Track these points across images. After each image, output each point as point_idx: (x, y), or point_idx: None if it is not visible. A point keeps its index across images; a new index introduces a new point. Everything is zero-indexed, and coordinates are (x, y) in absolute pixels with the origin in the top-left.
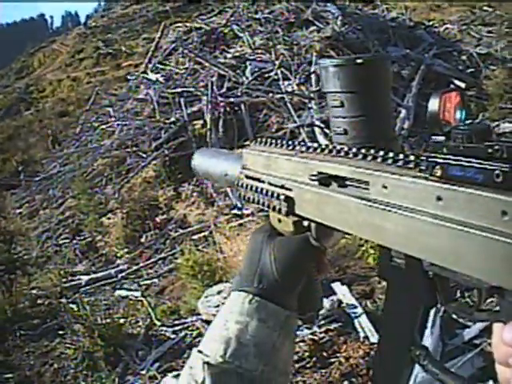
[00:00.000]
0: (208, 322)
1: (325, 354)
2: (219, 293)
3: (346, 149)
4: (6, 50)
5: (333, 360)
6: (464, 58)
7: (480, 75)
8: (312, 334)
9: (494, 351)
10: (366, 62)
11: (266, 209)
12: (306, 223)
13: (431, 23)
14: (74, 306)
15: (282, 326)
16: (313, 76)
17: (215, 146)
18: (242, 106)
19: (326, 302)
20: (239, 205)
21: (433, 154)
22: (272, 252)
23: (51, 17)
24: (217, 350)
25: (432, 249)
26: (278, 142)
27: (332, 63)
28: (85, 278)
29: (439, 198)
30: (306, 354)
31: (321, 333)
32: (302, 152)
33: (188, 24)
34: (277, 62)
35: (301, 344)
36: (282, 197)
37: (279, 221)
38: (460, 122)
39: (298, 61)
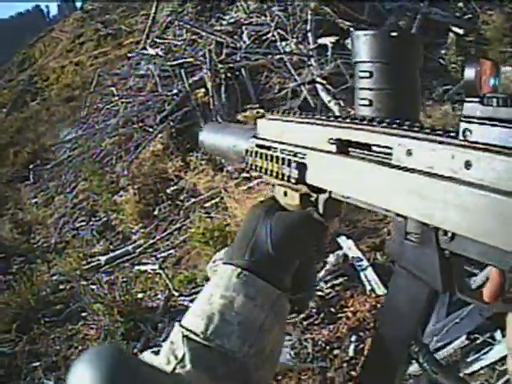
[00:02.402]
0: None
1: (332, 309)
2: None
3: (369, 117)
4: (6, 45)
5: (340, 315)
6: (460, 4)
7: (478, 21)
8: (319, 290)
9: (509, 341)
10: (400, 35)
11: (274, 180)
12: (313, 197)
13: None
14: (93, 287)
15: (271, 306)
16: (309, 34)
17: (219, 113)
18: (243, 70)
19: (332, 257)
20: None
21: (466, 119)
22: (270, 224)
23: (47, 6)
24: (198, 325)
25: (457, 218)
26: (296, 111)
27: (365, 33)
28: (103, 257)
29: (468, 164)
30: (314, 310)
31: (327, 288)
32: (320, 119)
33: None
34: (272, 24)
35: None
36: (293, 164)
37: (285, 194)
38: (494, 89)
39: (294, 20)
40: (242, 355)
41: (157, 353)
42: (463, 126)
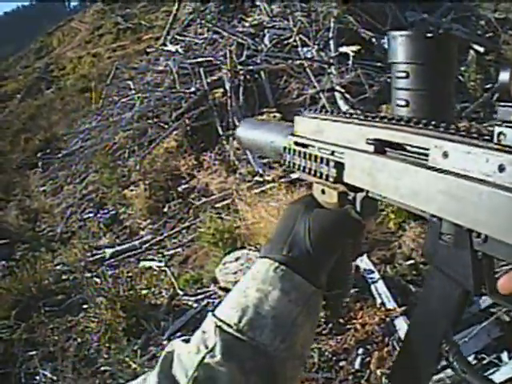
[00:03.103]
0: (226, 290)
1: (341, 320)
2: (237, 259)
3: (406, 118)
4: (25, 32)
5: (349, 326)
6: (482, 22)
7: (498, 40)
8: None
9: None
10: (436, 36)
11: (311, 178)
12: (351, 196)
13: None
14: (97, 280)
15: (305, 302)
16: (331, 42)
17: (236, 115)
18: (262, 74)
19: None
20: (261, 172)
21: (500, 123)
22: (308, 221)
23: None
24: (232, 317)
25: (491, 220)
26: (333, 111)
27: (402, 34)
28: (109, 250)
29: (502, 167)
30: (322, 320)
31: None
32: (359, 119)
33: None
34: (295, 29)
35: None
36: (331, 163)
37: (323, 192)
38: None
39: (317, 27)
40: (272, 349)
41: (187, 341)
42: (497, 129)
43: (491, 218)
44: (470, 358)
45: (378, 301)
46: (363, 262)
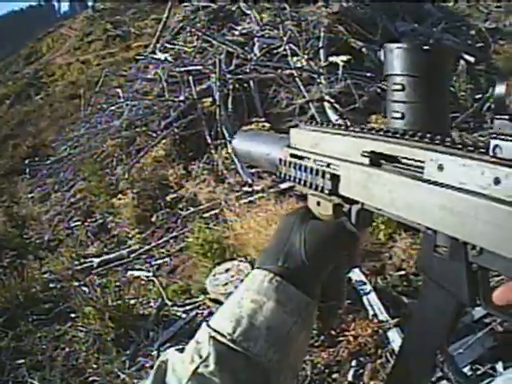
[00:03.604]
0: (216, 301)
1: (333, 332)
2: (227, 271)
3: (401, 131)
4: (14, 37)
5: (341, 338)
6: (473, 32)
7: (489, 50)
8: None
9: None
10: (432, 49)
11: (307, 189)
12: (346, 208)
13: None
14: (85, 289)
15: (300, 314)
16: (321, 51)
17: (225, 124)
18: (251, 83)
19: None
20: (250, 181)
21: (495, 135)
22: (303, 233)
23: (58, 1)
24: (226, 327)
25: (486, 233)
26: (329, 123)
27: (398, 46)
28: (97, 259)
29: (497, 180)
30: (314, 332)
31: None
32: (354, 131)
33: (195, 3)
34: (285, 38)
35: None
36: (327, 175)
37: (318, 204)
38: None
39: (307, 36)
40: (266, 360)
41: (181, 350)
42: (493, 142)
43: (487, 230)
44: (465, 369)
45: (371, 312)
46: (355, 274)
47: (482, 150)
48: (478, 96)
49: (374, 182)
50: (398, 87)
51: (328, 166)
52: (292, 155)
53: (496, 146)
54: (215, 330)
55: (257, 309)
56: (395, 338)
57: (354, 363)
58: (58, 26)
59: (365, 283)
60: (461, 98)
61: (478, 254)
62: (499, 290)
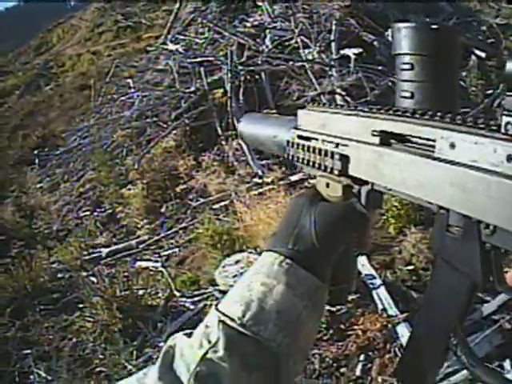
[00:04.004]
0: (225, 293)
1: (342, 326)
2: (237, 262)
3: (411, 110)
4: (25, 28)
5: (350, 332)
6: (484, 28)
7: (500, 46)
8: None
9: None
10: (440, 28)
11: (315, 171)
12: (355, 189)
13: None
14: (93, 279)
15: (310, 297)
16: (333, 44)
17: (236, 115)
18: (263, 74)
19: None
20: (260, 173)
21: (507, 112)
22: (313, 215)
23: None
24: (235, 311)
25: (499, 211)
26: (337, 104)
27: (406, 25)
28: (105, 250)
29: (510, 157)
30: (323, 325)
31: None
32: (363, 111)
33: None
34: (296, 31)
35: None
36: (336, 156)
37: (327, 185)
38: None
39: (318, 29)
40: (276, 344)
41: (189, 335)
42: (505, 119)
43: (500, 208)
44: None
45: (380, 307)
46: (364, 268)
47: (493, 128)
48: (488, 92)
49: (385, 161)
50: (407, 66)
51: (337, 146)
52: (300, 137)
53: (508, 122)
54: (224, 314)
55: (267, 292)
56: (404, 333)
57: (362, 357)
58: (68, 17)
59: (374, 277)
60: (472, 93)
61: (491, 234)
62: (511, 273)
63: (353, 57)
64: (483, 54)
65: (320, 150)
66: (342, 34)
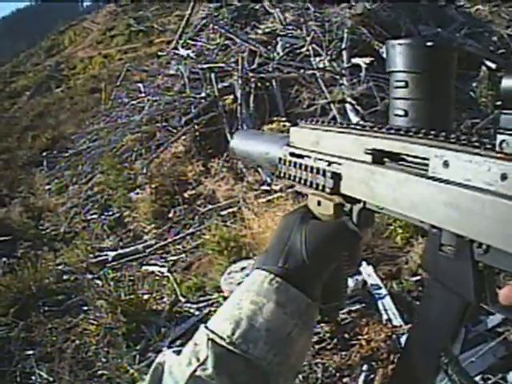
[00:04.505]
0: None
1: (346, 335)
2: (242, 269)
3: (405, 128)
4: (37, 29)
5: (354, 342)
6: (495, 38)
7: (511, 56)
8: None
9: None
10: (436, 45)
11: (307, 189)
12: (347, 207)
13: (462, 3)
14: (98, 282)
15: (300, 315)
16: (344, 52)
17: (246, 122)
18: (274, 82)
19: (351, 282)
20: (269, 180)
21: (502, 131)
22: (304, 232)
23: None
24: (225, 329)
25: (493, 230)
26: (330, 120)
27: (400, 42)
28: (112, 253)
29: (504, 176)
30: (327, 334)
31: (343, 313)
32: (356, 129)
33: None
34: (308, 38)
35: (322, 324)
36: (328, 174)
37: (318, 203)
38: None
39: (330, 37)
40: (266, 363)
41: (178, 353)
42: (500, 137)
43: (494, 227)
44: (476, 378)
45: (385, 317)
46: (370, 277)
47: (488, 146)
48: (498, 102)
49: (377, 180)
50: (401, 84)
51: (329, 164)
52: (292, 154)
53: (503, 141)
54: (214, 332)
55: (256, 310)
56: None
57: (365, 368)
58: (80, 19)
59: (380, 287)
60: (481, 104)
61: (485, 253)
62: (506, 288)
63: (364, 66)
64: (493, 65)
65: (312, 168)
66: (353, 43)
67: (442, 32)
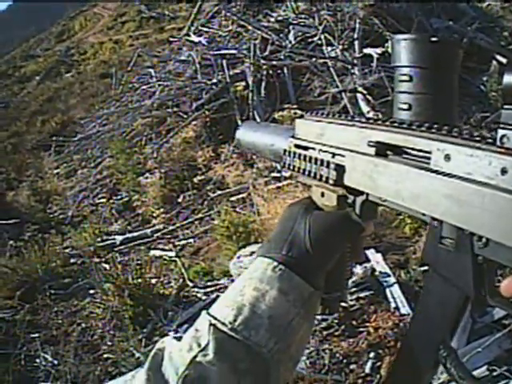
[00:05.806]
0: None
1: (354, 322)
2: (252, 254)
3: (408, 121)
4: (47, 14)
5: (361, 329)
6: (506, 34)
7: None
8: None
9: None
10: (440, 40)
11: (311, 180)
12: (350, 199)
13: None
14: (106, 266)
15: (303, 304)
16: (356, 42)
17: (257, 109)
18: (285, 70)
19: (359, 269)
20: (278, 167)
21: (503, 125)
22: (308, 222)
23: None
24: (227, 315)
25: (493, 224)
26: (335, 113)
27: (405, 37)
28: (120, 237)
29: (504, 170)
30: (335, 321)
31: (351, 300)
32: (360, 122)
33: None
34: (320, 28)
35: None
36: (332, 165)
37: (322, 195)
38: None
39: (342, 27)
40: (267, 350)
41: (179, 339)
42: (501, 132)
43: (494, 221)
44: (481, 369)
45: (393, 305)
46: (379, 265)
47: (489, 140)
48: None
49: (380, 172)
50: (405, 78)
51: (333, 156)
52: (297, 146)
53: (503, 135)
54: (215, 318)
55: (259, 297)
56: None
57: (372, 355)
58: (91, 5)
59: (389, 275)
60: (492, 98)
61: (484, 246)
62: (507, 280)
63: (375, 56)
64: (504, 60)
65: (316, 160)
66: (365, 33)
67: (454, 25)
